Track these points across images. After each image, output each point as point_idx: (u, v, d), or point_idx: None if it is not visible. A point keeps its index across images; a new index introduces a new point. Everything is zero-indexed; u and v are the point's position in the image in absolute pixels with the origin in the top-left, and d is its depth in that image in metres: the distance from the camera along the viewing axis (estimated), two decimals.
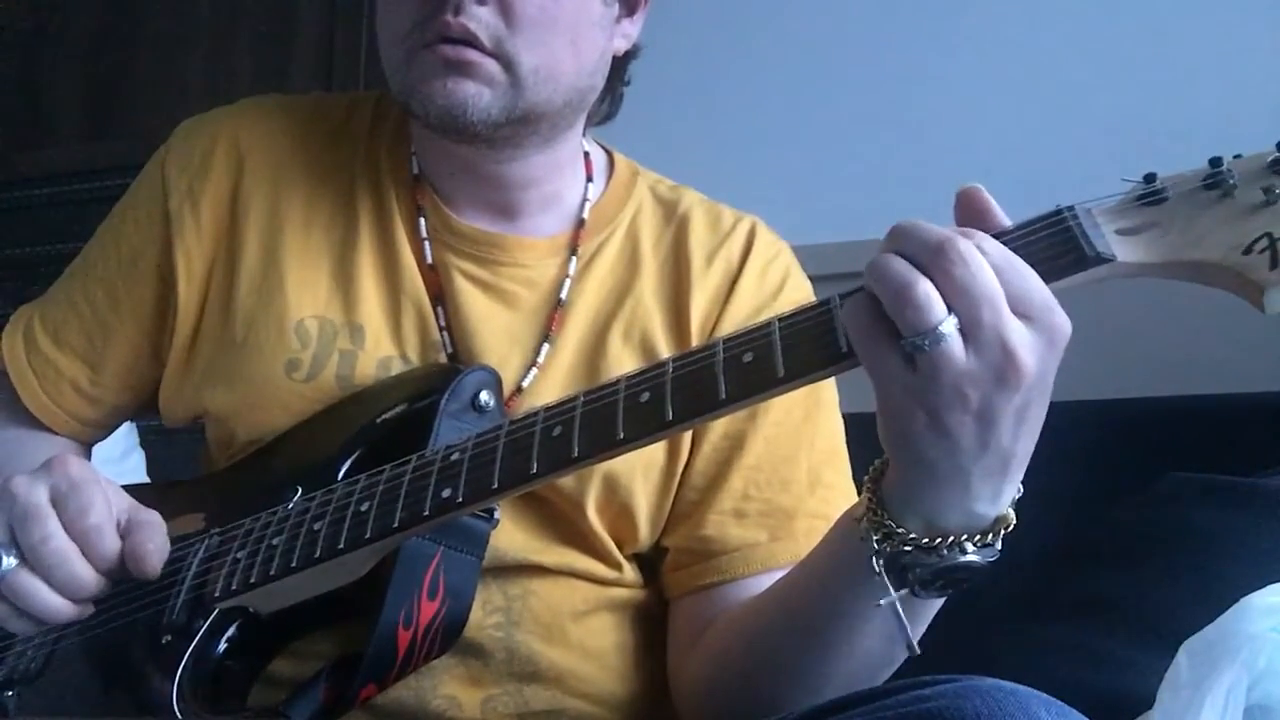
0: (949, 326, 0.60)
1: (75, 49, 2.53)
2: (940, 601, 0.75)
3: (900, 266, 0.62)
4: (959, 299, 0.60)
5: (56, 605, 0.79)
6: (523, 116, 0.93)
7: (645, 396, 0.71)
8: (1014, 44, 1.72)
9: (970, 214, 0.67)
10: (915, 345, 0.61)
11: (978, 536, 0.67)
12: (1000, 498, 0.67)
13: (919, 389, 0.62)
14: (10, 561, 0.78)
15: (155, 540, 0.82)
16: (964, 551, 0.67)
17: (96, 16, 2.51)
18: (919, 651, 0.72)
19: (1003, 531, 0.68)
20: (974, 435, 0.63)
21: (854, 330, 0.64)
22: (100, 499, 0.80)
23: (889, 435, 0.67)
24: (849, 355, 0.65)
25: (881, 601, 0.69)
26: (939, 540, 0.67)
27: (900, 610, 0.69)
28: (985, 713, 0.62)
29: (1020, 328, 0.61)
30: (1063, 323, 0.63)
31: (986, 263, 0.61)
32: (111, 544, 0.80)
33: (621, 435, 0.71)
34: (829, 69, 1.83)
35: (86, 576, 0.79)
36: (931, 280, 0.61)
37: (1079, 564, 1.22)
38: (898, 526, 0.68)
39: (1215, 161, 0.65)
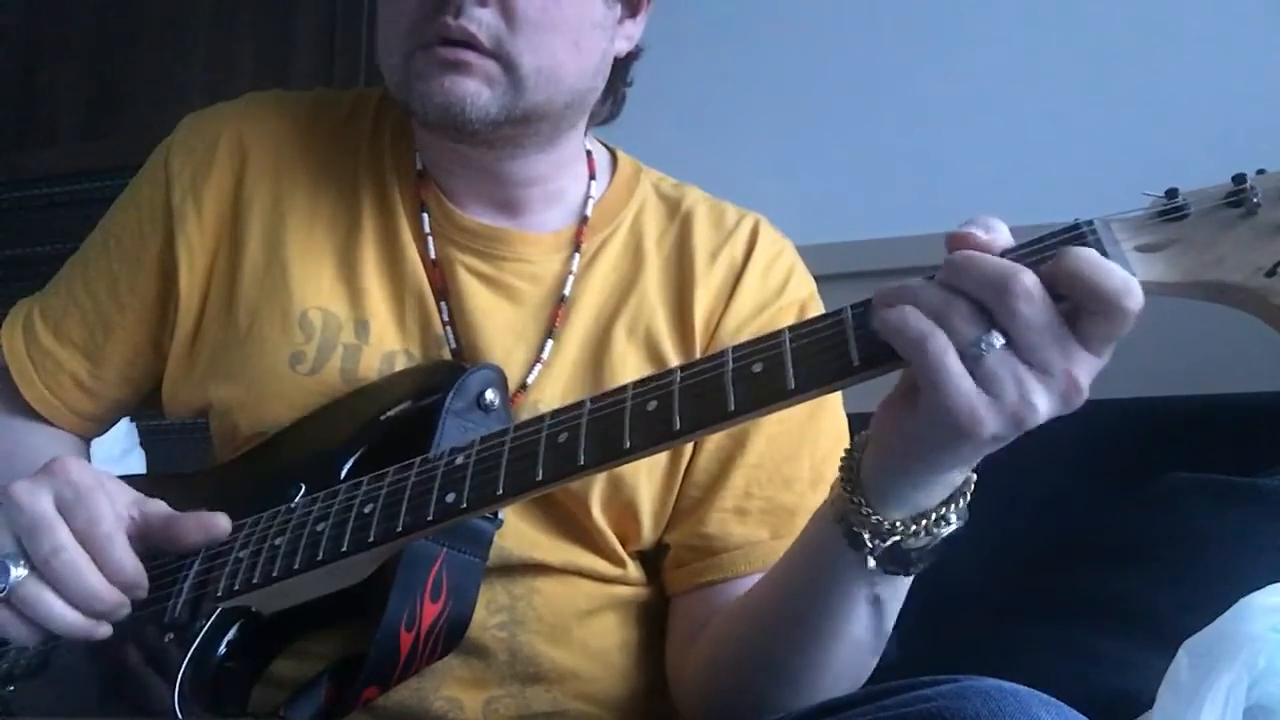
0: (998, 338, 0.61)
1: (75, 49, 2.53)
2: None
3: (955, 287, 0.63)
4: (1019, 325, 0.61)
5: (69, 618, 0.77)
6: (522, 117, 0.93)
7: (653, 405, 0.70)
8: (1024, 45, 1.71)
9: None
10: (975, 351, 0.61)
11: (953, 504, 0.70)
12: (970, 467, 0.69)
13: (984, 407, 0.62)
14: (20, 572, 0.77)
15: (189, 520, 0.83)
16: (948, 523, 0.70)
17: (96, 16, 2.51)
18: (879, 651, 0.75)
19: (969, 491, 0.70)
20: (1008, 435, 0.64)
21: (914, 345, 0.62)
22: (107, 505, 0.79)
23: (923, 441, 0.66)
24: (861, 369, 0.65)
25: (867, 600, 0.71)
26: (924, 521, 0.69)
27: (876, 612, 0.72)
28: (985, 713, 0.63)
29: (1085, 356, 0.62)
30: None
31: (1041, 296, 0.61)
32: (123, 553, 0.79)
33: (629, 444, 0.70)
34: (832, 69, 1.82)
35: (100, 588, 0.78)
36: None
37: (1079, 564, 1.22)
38: (885, 521, 0.69)
39: (1238, 178, 0.63)
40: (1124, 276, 0.60)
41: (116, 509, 0.80)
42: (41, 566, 0.77)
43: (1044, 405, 0.62)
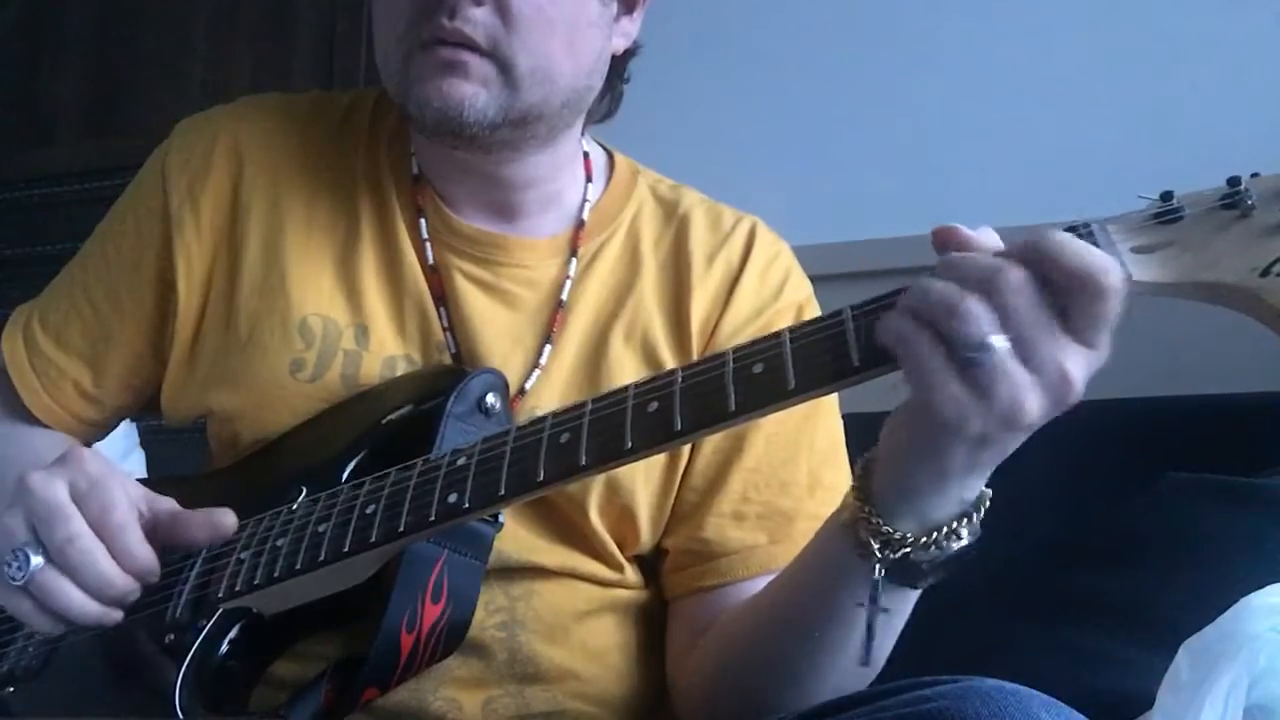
0: (999, 341, 0.60)
1: (75, 49, 2.53)
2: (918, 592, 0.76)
3: (946, 285, 0.62)
4: (1010, 320, 0.60)
5: (83, 605, 0.79)
6: (519, 118, 0.92)
7: (654, 406, 0.71)
8: (1021, 45, 1.71)
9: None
10: (967, 360, 0.60)
11: (966, 520, 0.69)
12: (983, 480, 0.69)
13: (972, 405, 0.61)
14: (38, 560, 0.78)
15: (196, 516, 0.83)
16: (960, 538, 0.69)
17: (96, 16, 2.51)
18: (867, 663, 0.73)
19: (983, 508, 0.70)
20: (1006, 445, 0.65)
21: (901, 345, 0.63)
22: (122, 495, 0.80)
23: (917, 446, 0.67)
24: (860, 369, 0.65)
25: (861, 604, 0.71)
26: (935, 534, 0.69)
27: (873, 623, 0.71)
28: (986, 713, 0.63)
29: (1075, 348, 0.61)
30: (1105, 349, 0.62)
31: (1029, 288, 0.61)
32: (137, 541, 0.80)
33: (630, 445, 0.71)
34: (830, 68, 1.82)
35: (114, 575, 0.79)
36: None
37: (1079, 564, 1.22)
38: (895, 531, 0.69)
39: (1233, 181, 0.65)
40: (1102, 255, 0.60)
41: (130, 498, 0.81)
42: (56, 555, 0.78)
43: (1035, 402, 0.61)
